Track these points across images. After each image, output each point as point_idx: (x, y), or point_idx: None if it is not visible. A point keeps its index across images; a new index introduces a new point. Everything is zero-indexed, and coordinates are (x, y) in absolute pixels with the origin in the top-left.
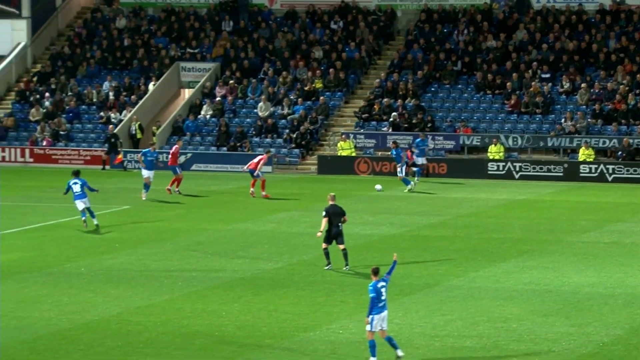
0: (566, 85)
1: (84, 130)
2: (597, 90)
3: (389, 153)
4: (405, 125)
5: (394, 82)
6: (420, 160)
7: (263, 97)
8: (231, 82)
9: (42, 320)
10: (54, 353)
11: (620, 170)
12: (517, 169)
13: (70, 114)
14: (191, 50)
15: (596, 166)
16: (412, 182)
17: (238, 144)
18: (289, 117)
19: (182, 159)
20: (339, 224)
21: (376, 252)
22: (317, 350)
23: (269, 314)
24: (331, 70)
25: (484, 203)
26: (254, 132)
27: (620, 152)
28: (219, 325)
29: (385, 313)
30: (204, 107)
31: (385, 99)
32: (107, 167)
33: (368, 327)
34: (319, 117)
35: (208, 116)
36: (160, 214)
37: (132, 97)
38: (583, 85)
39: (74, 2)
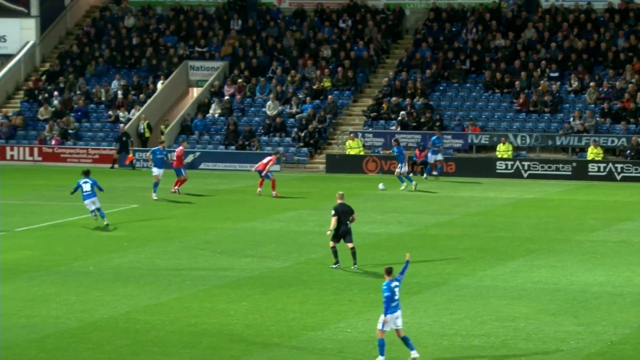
0: (575, 84)
1: (92, 129)
2: (605, 89)
3: (390, 151)
4: (414, 124)
5: (403, 80)
6: (433, 158)
7: (271, 95)
8: (240, 80)
9: (51, 318)
10: (62, 352)
11: (629, 169)
12: (526, 167)
13: (79, 113)
14: (200, 49)
15: (605, 165)
16: (406, 183)
17: (246, 143)
18: (297, 116)
19: (190, 157)
20: (348, 222)
21: (384, 251)
22: (325, 349)
23: (277, 313)
24: (339, 69)
25: (492, 202)
26: (262, 131)
27: (628, 151)
28: (227, 324)
29: (398, 312)
30: (213, 105)
31: (394, 98)
32: (116, 166)
33: (379, 326)
34: (328, 115)
35: (216, 115)
36: (169, 212)
37: (141, 96)
38: (592, 84)
39: (83, 1)
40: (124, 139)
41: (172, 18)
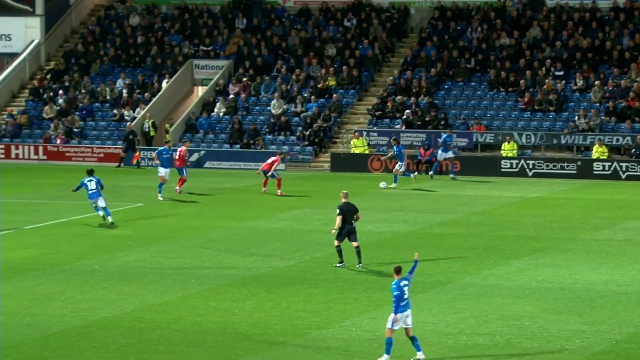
0: (580, 82)
1: (97, 128)
2: (610, 88)
3: (391, 151)
4: (419, 122)
5: (407, 79)
6: (443, 156)
7: (276, 94)
8: (244, 79)
9: (55, 317)
10: (67, 350)
11: (634, 168)
12: (531, 166)
13: (84, 112)
14: (204, 48)
15: (610, 164)
16: (397, 183)
17: (251, 142)
18: (302, 115)
19: (195, 156)
20: (353, 221)
21: (389, 250)
22: (330, 348)
23: (281, 312)
24: (344, 67)
25: (497, 201)
26: (267, 130)
27: (633, 150)
28: (232, 322)
29: (408, 311)
30: (217, 104)
31: (399, 97)
32: (122, 164)
33: (389, 325)
34: (332, 114)
35: (221, 114)
36: (173, 211)
37: (146, 94)
38: (597, 82)
39: (88, 0)
40: (131, 137)
41: (177, 17)
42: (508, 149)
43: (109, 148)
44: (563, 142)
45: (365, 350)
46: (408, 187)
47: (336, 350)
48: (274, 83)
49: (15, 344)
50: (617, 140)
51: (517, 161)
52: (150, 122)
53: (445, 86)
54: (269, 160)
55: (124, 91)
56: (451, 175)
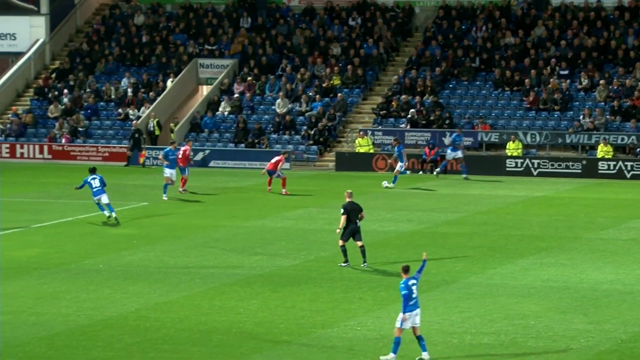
0: (585, 81)
1: (102, 127)
2: (615, 87)
3: (393, 150)
4: (423, 122)
5: (412, 78)
6: (452, 155)
7: (281, 93)
8: (249, 78)
9: (61, 316)
10: (72, 349)
11: (639, 167)
12: (536, 165)
13: (89, 111)
14: (209, 47)
15: (615, 163)
16: (395, 184)
17: (256, 141)
18: (306, 114)
19: (200, 155)
20: (357, 220)
21: (394, 249)
22: (335, 347)
23: (286, 311)
24: (349, 66)
25: (502, 200)
26: (272, 129)
27: (638, 149)
28: (237, 321)
29: (417, 310)
30: (222, 103)
31: (403, 96)
32: (129, 164)
33: (398, 324)
34: (337, 113)
35: (226, 113)
36: (178, 210)
37: (151, 93)
38: (601, 81)
39: None
40: (137, 135)
41: (181, 16)
42: (513, 148)
43: (114, 147)
44: (568, 141)
45: (370, 349)
46: (412, 186)
47: (341, 350)
48: (279, 82)
49: (20, 343)
50: (622, 139)
51: (522, 160)
52: (155, 122)
53: (450, 85)
54: (274, 160)
55: (129, 90)
56: (464, 176)
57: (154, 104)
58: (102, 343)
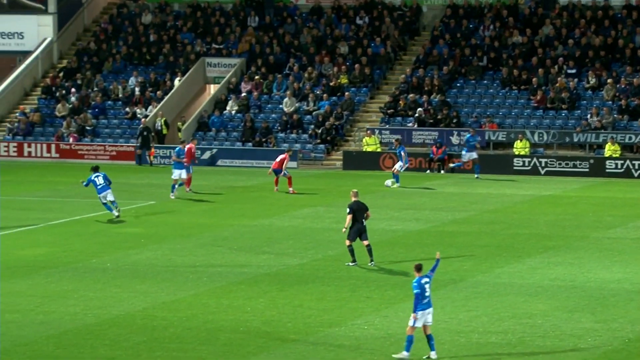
0: (592, 80)
1: (109, 126)
2: (623, 86)
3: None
4: (431, 120)
5: (420, 77)
6: (468, 156)
7: (288, 92)
8: (257, 77)
9: (68, 315)
10: (79, 348)
11: None
12: (543, 164)
13: (96, 110)
14: (217, 46)
15: (622, 162)
16: (394, 183)
17: (263, 140)
18: (314, 113)
19: (207, 154)
20: (363, 220)
21: (401, 248)
22: (342, 346)
23: (294, 310)
24: (356, 65)
25: (509, 199)
26: (279, 128)
27: None
28: (244, 320)
29: (430, 309)
30: (230, 102)
31: (411, 95)
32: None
33: (411, 323)
34: (344, 112)
35: (233, 112)
36: (186, 209)
37: (158, 92)
38: (609, 80)
39: None
40: (145, 133)
41: (189, 15)
42: (520, 147)
43: (122, 146)
44: (575, 140)
45: (377, 348)
46: (420, 185)
47: (348, 348)
48: (286, 81)
49: (28, 341)
50: (630, 138)
51: (529, 159)
52: (162, 120)
53: (458, 84)
54: (278, 159)
55: (137, 89)
56: (476, 176)
57: (162, 102)
58: (109, 342)
